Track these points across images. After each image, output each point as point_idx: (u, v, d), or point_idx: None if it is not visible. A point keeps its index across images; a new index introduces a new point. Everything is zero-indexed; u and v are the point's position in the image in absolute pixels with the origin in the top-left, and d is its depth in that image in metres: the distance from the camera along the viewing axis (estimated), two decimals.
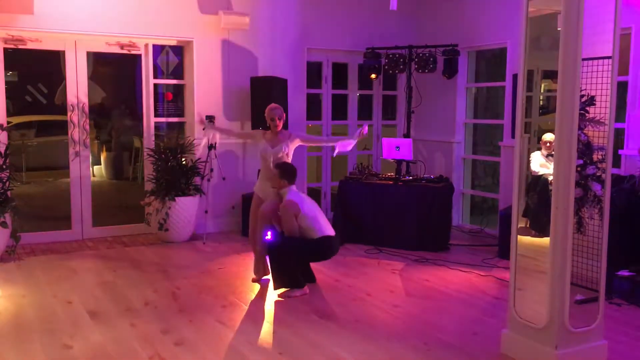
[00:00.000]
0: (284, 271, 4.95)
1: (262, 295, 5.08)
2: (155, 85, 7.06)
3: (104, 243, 6.63)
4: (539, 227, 3.97)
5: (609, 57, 3.51)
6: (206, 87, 7.05)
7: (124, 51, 6.83)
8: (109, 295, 4.92)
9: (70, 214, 6.76)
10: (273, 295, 5.07)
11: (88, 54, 6.71)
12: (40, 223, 6.96)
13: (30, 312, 4.51)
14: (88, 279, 5.36)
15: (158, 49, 7.08)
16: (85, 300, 4.76)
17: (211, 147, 6.75)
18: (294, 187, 5.10)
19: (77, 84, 6.63)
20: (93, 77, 7.56)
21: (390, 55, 7.42)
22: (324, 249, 5.02)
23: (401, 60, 7.39)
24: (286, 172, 5.07)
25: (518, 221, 3.76)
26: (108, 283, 5.24)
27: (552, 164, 3.53)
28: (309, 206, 5.04)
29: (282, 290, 5.01)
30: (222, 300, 4.83)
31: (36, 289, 5.04)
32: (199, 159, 6.82)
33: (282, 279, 4.98)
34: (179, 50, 7.18)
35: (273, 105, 5.34)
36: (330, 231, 5.05)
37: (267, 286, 5.33)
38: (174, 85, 7.25)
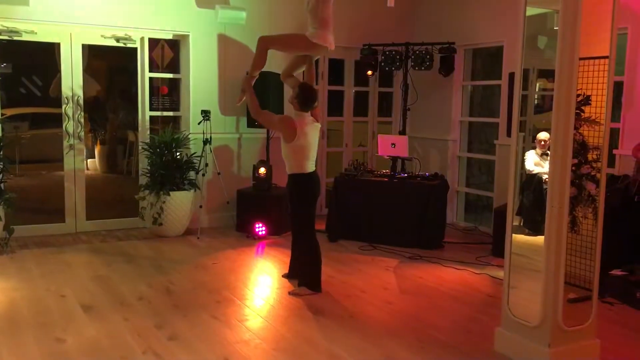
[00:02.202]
0: (306, 267, 4.94)
1: (256, 290, 5.08)
2: (151, 78, 7.03)
3: (97, 237, 6.61)
4: (533, 225, 3.99)
5: (605, 57, 3.52)
6: (202, 82, 7.03)
7: (120, 44, 6.79)
8: (103, 289, 4.90)
9: (64, 207, 6.73)
10: (267, 291, 5.08)
11: (83, 46, 6.67)
12: (34, 216, 6.92)
13: (23, 305, 4.49)
14: (82, 273, 5.34)
15: (154, 43, 7.05)
16: (78, 294, 4.74)
17: (206, 141, 6.73)
18: (308, 117, 4.81)
19: (72, 77, 6.60)
20: (88, 70, 7.51)
21: (387, 52, 7.42)
22: (305, 185, 4.88)
23: (398, 57, 7.39)
24: (300, 95, 4.79)
25: (513, 219, 3.77)
26: (102, 277, 5.22)
27: (546, 162, 3.54)
28: (306, 141, 4.77)
29: (295, 284, 5.00)
30: (217, 295, 4.82)
31: (29, 282, 5.02)
32: (194, 153, 6.80)
33: (303, 272, 4.97)
34: (175, 44, 7.15)
35: None
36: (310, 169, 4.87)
37: (261, 282, 5.34)
38: (170, 79, 7.23)
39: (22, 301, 4.58)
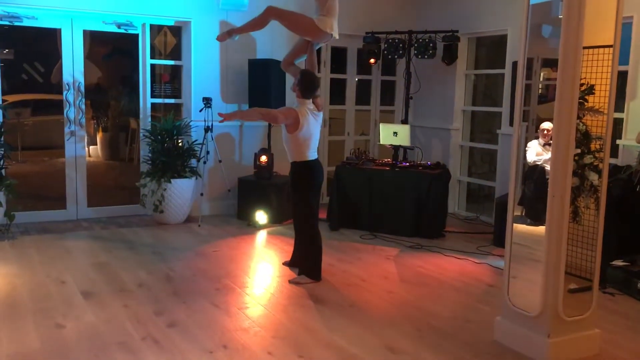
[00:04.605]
0: (307, 255, 4.94)
1: (256, 278, 5.08)
2: (153, 65, 7.00)
3: (98, 223, 6.61)
4: (535, 215, 3.97)
5: (610, 46, 3.48)
6: (204, 69, 6.99)
7: (121, 30, 6.75)
8: (103, 275, 4.91)
9: (65, 193, 6.73)
10: (267, 279, 5.08)
11: (84, 32, 6.63)
12: (35, 202, 6.93)
13: (24, 291, 4.50)
14: (82, 259, 5.35)
15: (156, 29, 7.01)
16: (78, 281, 4.75)
17: (207, 129, 6.71)
18: (310, 105, 4.78)
19: (73, 63, 6.57)
20: (90, 56, 7.49)
21: (390, 40, 7.36)
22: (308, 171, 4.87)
23: (400, 45, 7.34)
24: (302, 81, 4.77)
25: (514, 209, 3.75)
26: (102, 264, 5.23)
27: (549, 152, 3.51)
28: (308, 131, 4.74)
29: (296, 273, 5.01)
30: (216, 283, 4.82)
31: (30, 268, 5.03)
32: (195, 140, 6.78)
33: (303, 260, 4.97)
34: (177, 31, 7.11)
35: None
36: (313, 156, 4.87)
37: (262, 270, 5.34)
38: (172, 66, 7.19)
39: (22, 287, 4.58)
